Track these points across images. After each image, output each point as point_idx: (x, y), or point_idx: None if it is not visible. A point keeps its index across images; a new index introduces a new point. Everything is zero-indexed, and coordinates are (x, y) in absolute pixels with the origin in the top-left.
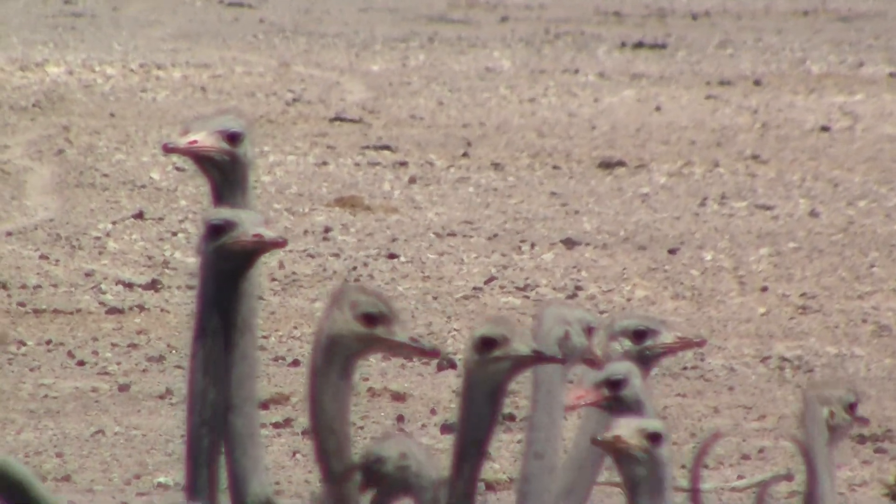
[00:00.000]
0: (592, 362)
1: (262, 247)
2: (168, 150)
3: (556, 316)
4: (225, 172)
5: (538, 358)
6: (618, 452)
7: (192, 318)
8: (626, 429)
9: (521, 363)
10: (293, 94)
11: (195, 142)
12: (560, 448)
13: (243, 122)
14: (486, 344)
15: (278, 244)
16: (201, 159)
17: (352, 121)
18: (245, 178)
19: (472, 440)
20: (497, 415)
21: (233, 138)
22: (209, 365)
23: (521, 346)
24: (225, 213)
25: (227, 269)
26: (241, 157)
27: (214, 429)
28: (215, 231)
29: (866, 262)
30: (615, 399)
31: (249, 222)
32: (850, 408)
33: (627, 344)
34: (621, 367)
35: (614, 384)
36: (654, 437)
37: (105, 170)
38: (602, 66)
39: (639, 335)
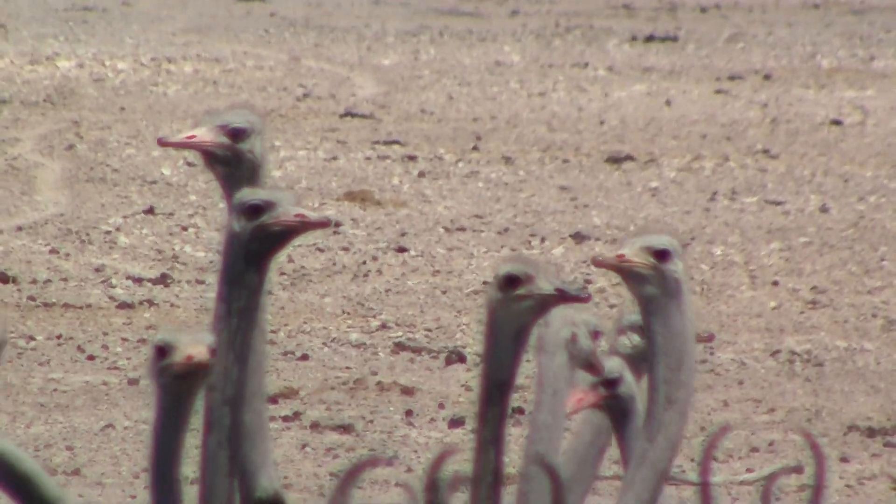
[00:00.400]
0: (593, 368)
1: (304, 227)
2: (162, 144)
3: (563, 318)
4: (230, 168)
5: (562, 296)
6: (622, 271)
7: (202, 310)
8: (630, 247)
9: (545, 302)
10: (304, 89)
11: (193, 136)
12: (561, 449)
13: (252, 119)
14: (509, 282)
15: (323, 224)
16: (205, 155)
17: (362, 116)
18: (254, 175)
19: (496, 382)
20: (521, 355)
21: (235, 134)
22: (234, 344)
23: (545, 284)
24: (262, 193)
25: (261, 249)
26: (244, 154)
27: (236, 408)
28: (253, 210)
29: (876, 256)
30: (612, 398)
31: (288, 202)
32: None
33: (636, 339)
34: (615, 365)
35: (610, 383)
36: (661, 254)
37: (115, 165)
38: (612, 60)
39: None
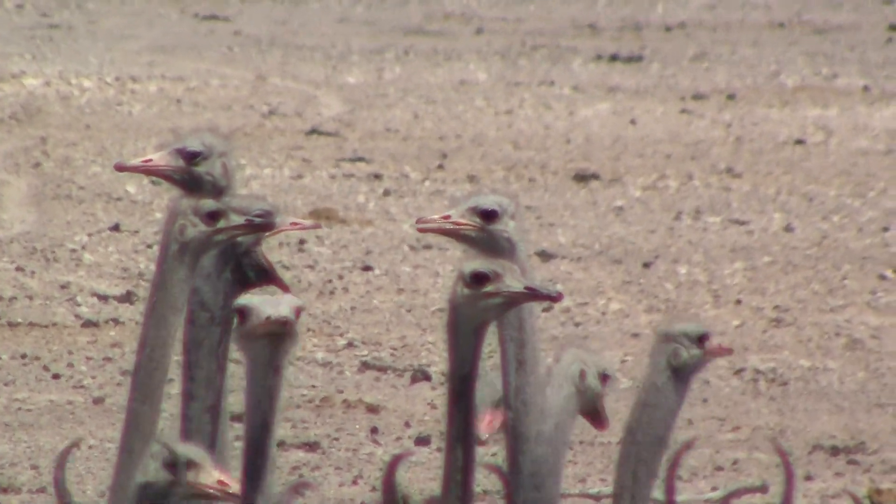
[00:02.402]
0: (598, 416)
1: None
2: (120, 168)
3: (575, 355)
4: (191, 191)
5: (532, 294)
6: (448, 233)
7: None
8: (457, 209)
9: (514, 299)
10: (269, 107)
11: (149, 160)
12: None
13: (210, 141)
14: (477, 279)
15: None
16: (164, 178)
17: (328, 134)
18: (219, 196)
19: (461, 376)
20: (481, 349)
21: (190, 157)
22: (218, 352)
23: (514, 283)
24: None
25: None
26: (201, 176)
27: (216, 417)
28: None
29: (839, 275)
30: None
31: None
32: (700, 341)
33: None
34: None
35: (486, 214)
36: (488, 214)
37: (81, 182)
38: (577, 78)
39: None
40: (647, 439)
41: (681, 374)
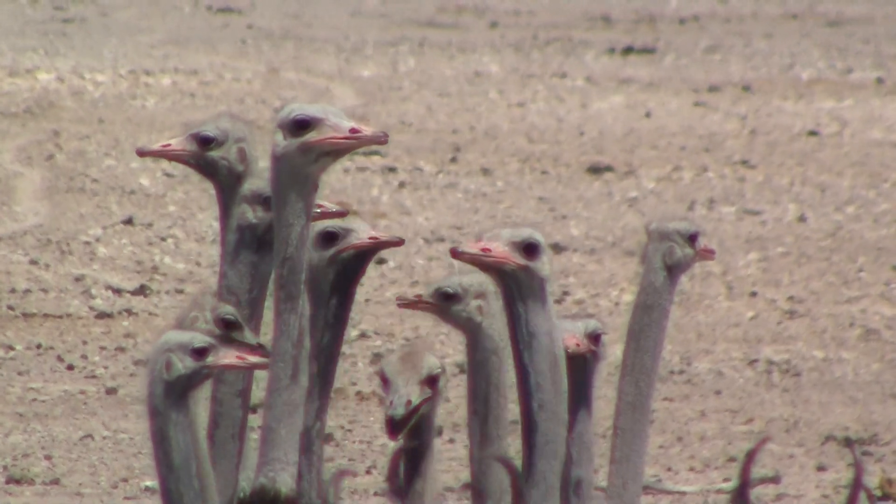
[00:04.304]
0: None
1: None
2: (141, 153)
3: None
4: (209, 175)
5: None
6: (485, 267)
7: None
8: (496, 240)
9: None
10: (282, 101)
11: (168, 145)
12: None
13: (227, 126)
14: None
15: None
16: (182, 163)
17: None
18: (238, 181)
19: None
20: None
21: (204, 142)
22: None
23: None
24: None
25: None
26: (216, 161)
27: (246, 401)
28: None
29: (854, 266)
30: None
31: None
32: (692, 240)
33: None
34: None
35: (529, 248)
36: (530, 249)
37: (95, 175)
38: (591, 71)
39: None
40: (648, 344)
41: (674, 273)
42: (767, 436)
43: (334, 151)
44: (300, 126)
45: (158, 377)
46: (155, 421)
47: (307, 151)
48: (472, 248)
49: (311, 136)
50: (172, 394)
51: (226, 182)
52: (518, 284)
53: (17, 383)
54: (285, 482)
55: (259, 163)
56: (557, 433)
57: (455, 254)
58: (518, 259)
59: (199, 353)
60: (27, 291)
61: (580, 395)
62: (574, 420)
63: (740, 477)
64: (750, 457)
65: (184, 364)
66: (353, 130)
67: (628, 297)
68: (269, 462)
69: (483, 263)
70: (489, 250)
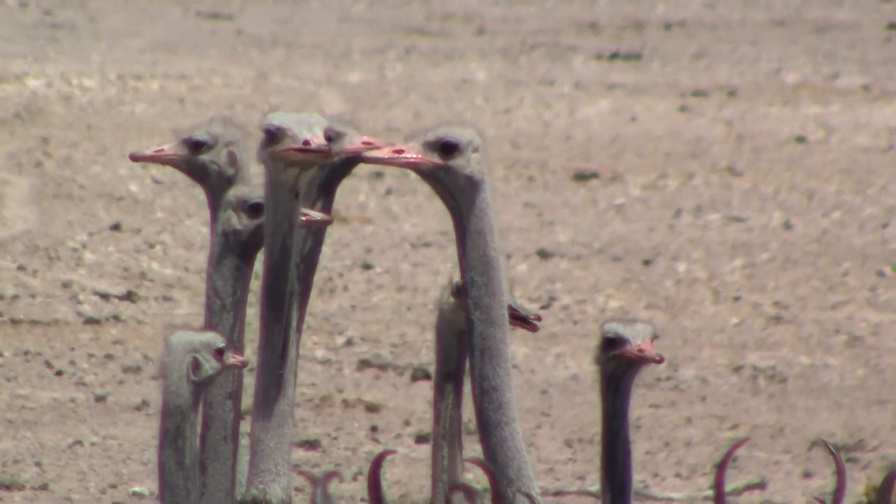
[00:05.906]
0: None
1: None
2: (134, 158)
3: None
4: (199, 179)
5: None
6: (401, 165)
7: (169, 327)
8: (414, 141)
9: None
10: (271, 106)
11: (161, 150)
12: None
13: (217, 131)
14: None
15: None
16: (172, 166)
17: None
18: (228, 185)
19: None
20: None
21: (194, 146)
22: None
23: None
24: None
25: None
26: (206, 165)
27: (238, 403)
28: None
29: (839, 272)
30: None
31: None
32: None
33: None
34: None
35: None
36: (447, 147)
37: (82, 182)
38: (577, 77)
39: None
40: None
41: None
42: (743, 439)
43: (298, 162)
44: (268, 136)
45: (184, 377)
46: (172, 420)
47: (276, 161)
48: (385, 151)
49: (277, 147)
50: (198, 394)
51: (216, 186)
52: (442, 184)
53: (6, 390)
54: (276, 494)
55: (251, 168)
56: (492, 335)
57: (368, 159)
58: (434, 158)
59: (220, 353)
60: (15, 297)
61: (624, 400)
62: (621, 424)
63: (715, 484)
64: (723, 463)
65: (210, 364)
66: (305, 142)
67: (615, 304)
68: (259, 474)
69: (396, 164)
70: (402, 151)
